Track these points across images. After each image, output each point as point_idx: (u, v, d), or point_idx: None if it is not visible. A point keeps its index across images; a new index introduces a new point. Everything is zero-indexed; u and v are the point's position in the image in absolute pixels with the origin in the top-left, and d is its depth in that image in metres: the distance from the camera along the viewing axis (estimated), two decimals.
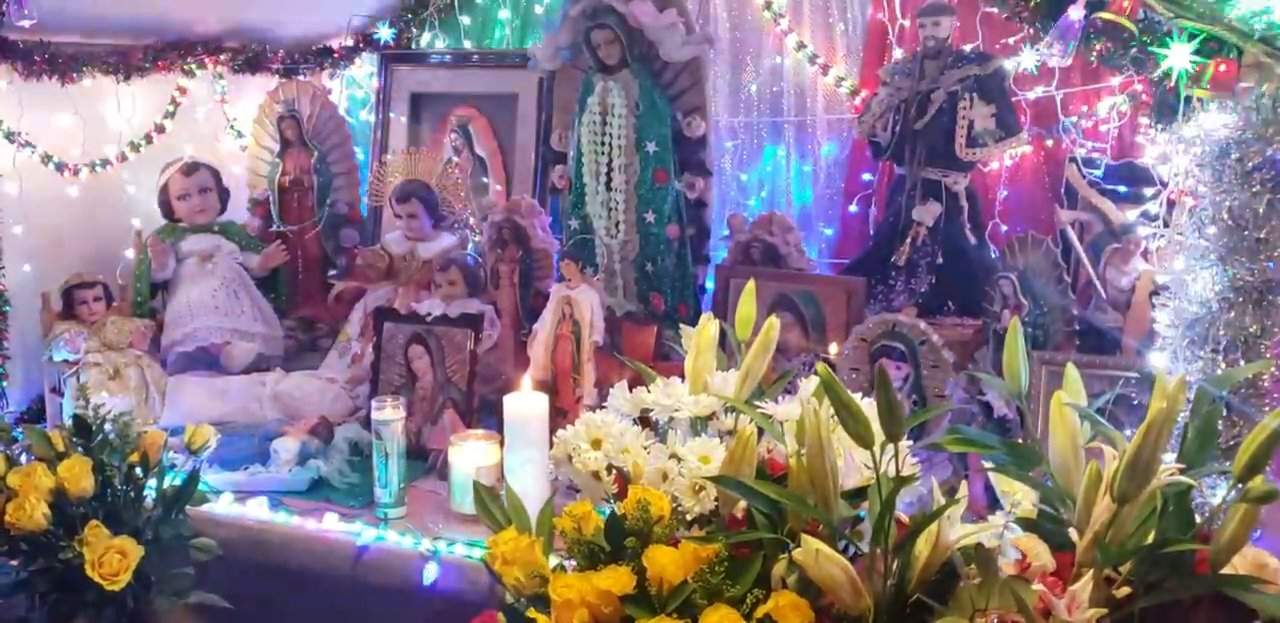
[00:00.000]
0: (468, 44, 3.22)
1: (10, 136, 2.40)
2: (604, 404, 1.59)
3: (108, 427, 1.93)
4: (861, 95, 2.82)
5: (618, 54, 2.57)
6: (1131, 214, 2.42)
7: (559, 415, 2.26)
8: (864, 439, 1.19)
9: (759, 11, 2.93)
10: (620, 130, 2.59)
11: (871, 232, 2.82)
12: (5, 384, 2.47)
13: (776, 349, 1.51)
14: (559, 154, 2.80)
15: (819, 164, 3.02)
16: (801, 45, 2.91)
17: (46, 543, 1.76)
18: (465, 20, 3.20)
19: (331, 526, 2.12)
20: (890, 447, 1.19)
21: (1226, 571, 1.21)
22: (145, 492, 1.95)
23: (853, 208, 2.95)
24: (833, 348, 2.32)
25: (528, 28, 3.16)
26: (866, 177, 2.91)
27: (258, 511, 2.19)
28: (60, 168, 2.52)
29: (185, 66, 2.70)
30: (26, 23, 2.01)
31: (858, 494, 1.29)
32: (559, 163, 2.80)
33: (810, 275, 2.62)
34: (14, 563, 1.80)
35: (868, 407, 1.23)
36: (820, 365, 1.21)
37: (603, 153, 2.61)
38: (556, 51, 2.66)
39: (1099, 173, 2.46)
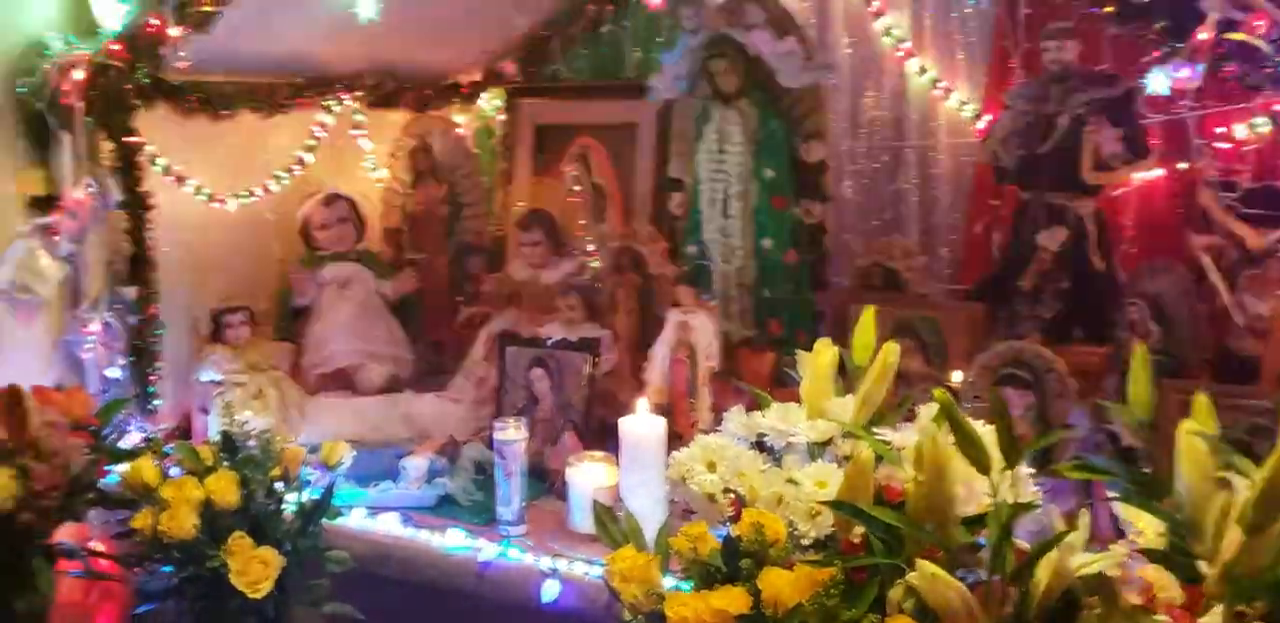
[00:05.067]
0: (589, 76, 3.31)
1: (167, 169, 2.57)
2: (720, 428, 1.61)
3: (251, 443, 2.04)
4: (985, 119, 2.80)
5: (735, 82, 2.61)
6: (1271, 238, 2.33)
7: (675, 440, 2.29)
8: (982, 465, 1.19)
9: (880, 37, 2.93)
10: (738, 157, 2.62)
11: (995, 257, 2.78)
12: (158, 402, 2.61)
13: (897, 376, 1.51)
14: (676, 182, 2.84)
15: (941, 189, 3.00)
16: (923, 70, 2.91)
17: (195, 552, 1.86)
18: (587, 52, 3.30)
19: (456, 541, 2.19)
20: (1009, 473, 1.18)
21: None
22: (285, 505, 2.05)
23: (976, 232, 2.91)
24: (955, 375, 2.29)
25: (649, 59, 3.23)
26: (990, 201, 2.88)
27: (388, 525, 2.27)
28: (211, 199, 2.68)
29: (325, 103, 2.85)
30: (182, 64, 2.17)
31: (977, 521, 1.29)
32: (676, 190, 2.84)
33: (932, 301, 2.60)
34: (166, 570, 1.91)
35: (988, 434, 1.23)
36: (939, 391, 1.21)
37: (720, 180, 2.65)
38: (675, 80, 2.71)
39: (1236, 196, 2.38)
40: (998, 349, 2.18)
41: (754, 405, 1.63)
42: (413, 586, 2.19)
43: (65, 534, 2.02)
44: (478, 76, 3.31)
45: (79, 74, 2.29)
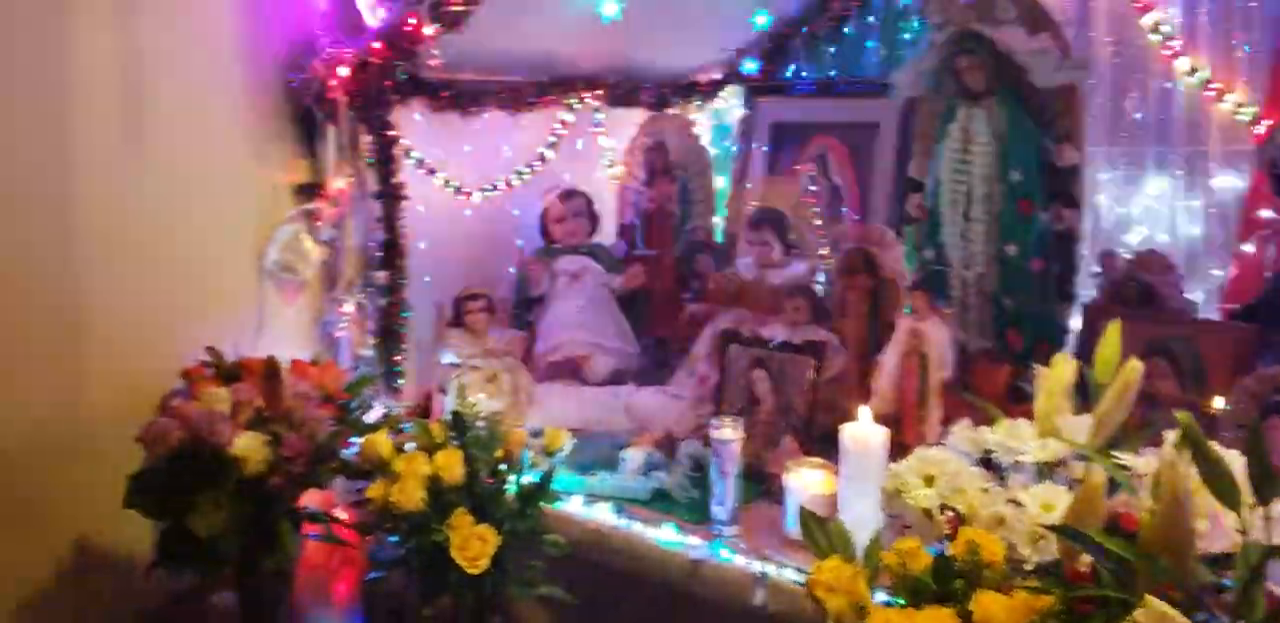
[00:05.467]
0: (831, 74, 3.26)
1: (420, 163, 2.72)
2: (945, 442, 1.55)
3: (480, 424, 2.13)
4: (1265, 124, 2.56)
5: (983, 80, 2.50)
6: None
7: (901, 451, 2.21)
8: (1231, 499, 1.08)
9: (1146, 34, 2.73)
10: (983, 158, 2.50)
11: (1269, 275, 2.54)
12: (402, 381, 2.77)
13: (1147, 399, 1.41)
14: (916, 183, 2.75)
15: (1210, 199, 2.76)
16: (1194, 69, 2.69)
17: (421, 524, 1.96)
18: (830, 50, 3.24)
19: (668, 536, 2.20)
20: (1263, 510, 1.07)
21: None
22: (507, 486, 2.12)
23: (1248, 248, 2.67)
24: (1216, 401, 2.10)
25: (893, 56, 3.14)
26: (1265, 213, 2.62)
27: (603, 514, 2.30)
28: (458, 192, 2.82)
29: (567, 101, 2.94)
30: (434, 62, 2.29)
31: (1222, 561, 1.17)
32: (916, 191, 2.75)
33: (1191, 320, 2.40)
34: (393, 540, 2.02)
35: (1241, 465, 1.12)
36: (1182, 414, 1.11)
37: (962, 181, 2.54)
38: (919, 77, 2.62)
39: None
40: (1264, 375, 1.98)
41: (984, 420, 1.56)
42: (623, 575, 2.21)
43: (312, 501, 2.18)
44: (717, 75, 3.32)
45: (344, 71, 2.46)
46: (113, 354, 2.32)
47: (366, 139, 2.55)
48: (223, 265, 2.56)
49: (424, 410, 2.79)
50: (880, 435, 2.02)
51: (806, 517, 1.46)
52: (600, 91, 3.06)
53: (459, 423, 2.09)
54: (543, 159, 2.99)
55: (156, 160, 2.37)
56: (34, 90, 2.16)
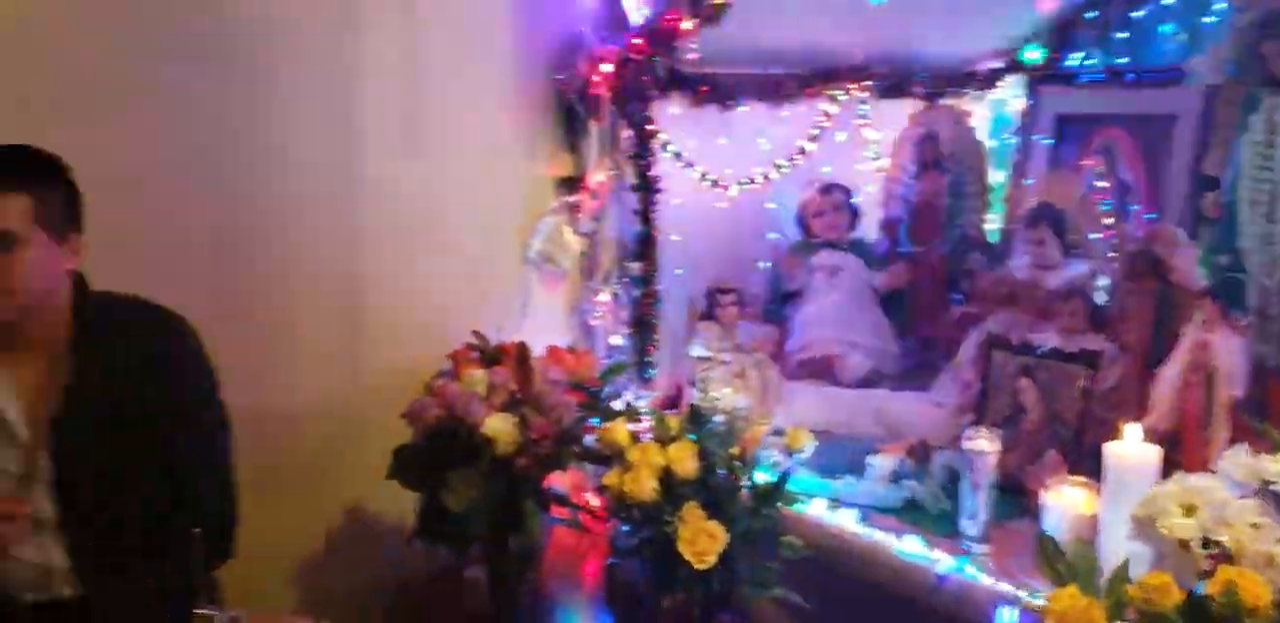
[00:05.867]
0: (1122, 62, 2.99)
1: (678, 156, 2.75)
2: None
3: (718, 418, 2.12)
4: None
5: None
6: None
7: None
8: None
9: None
10: None
11: None
12: (653, 372, 2.81)
13: None
14: (1212, 180, 2.48)
15: None
16: None
17: (653, 515, 1.97)
18: (1121, 36, 2.98)
19: (913, 549, 2.11)
20: None
21: None
22: (744, 484, 2.10)
23: None
24: None
25: (1191, 42, 2.84)
26: None
27: (844, 520, 2.24)
28: (715, 185, 2.82)
29: (830, 93, 2.87)
30: (692, 56, 2.30)
31: None
32: (1211, 189, 2.48)
33: None
34: (625, 529, 2.05)
35: None
36: None
37: (1265, 179, 2.27)
38: (1221, 65, 2.37)
39: None
40: None
41: (1267, 447, 1.38)
42: (862, 585, 2.15)
43: (561, 484, 2.25)
44: (996, 64, 3.14)
45: (607, 67, 2.52)
46: (388, 338, 2.49)
47: (626, 134, 2.60)
48: (492, 256, 2.69)
49: (673, 402, 2.82)
50: (1151, 456, 1.84)
51: (1043, 541, 1.35)
52: (867, 82, 2.96)
53: (696, 416, 2.09)
54: (802, 152, 2.93)
55: (432, 158, 2.52)
56: (325, 96, 2.35)
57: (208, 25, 2.13)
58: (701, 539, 1.88)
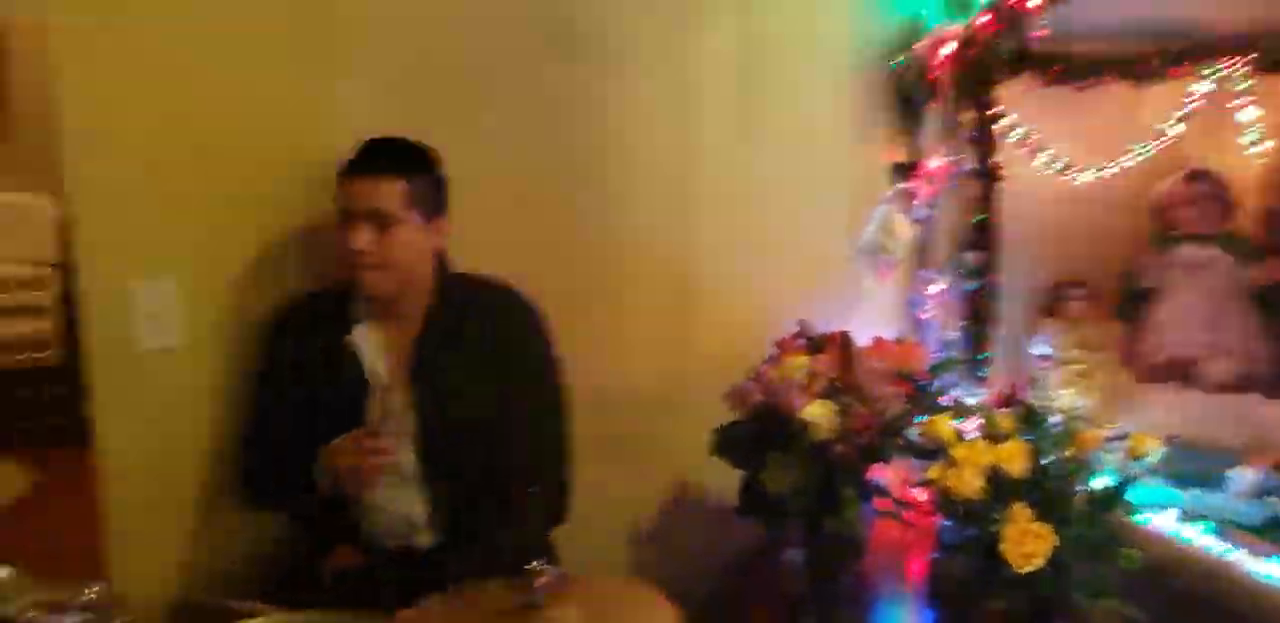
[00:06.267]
0: None
1: (1023, 141, 2.59)
2: None
3: (1054, 418, 2.00)
4: None
5: None
6: None
7: None
8: None
9: None
10: None
11: None
12: (987, 369, 2.68)
13: None
14: None
15: None
16: None
17: (978, 513, 1.91)
18: None
19: (1274, 571, 1.91)
20: None
21: None
22: (1081, 488, 1.97)
23: None
24: None
25: None
26: None
27: (1195, 535, 2.07)
28: (1063, 171, 2.63)
29: (1202, 70, 2.58)
30: (1040, 32, 2.15)
31: None
32: None
33: None
34: (946, 524, 1.99)
35: None
36: None
37: None
38: None
39: None
40: None
41: None
42: (1211, 606, 1.96)
43: (884, 476, 2.22)
44: None
45: (948, 48, 2.43)
46: (717, 323, 2.56)
47: (967, 117, 2.50)
48: (822, 243, 2.68)
49: (1007, 401, 2.69)
50: None
51: None
52: (1249, 57, 2.64)
53: (1030, 416, 2.00)
54: (1164, 135, 2.67)
55: (765, 143, 2.56)
56: (663, 82, 2.44)
57: (577, 24, 2.30)
58: (1028, 541, 1.80)
